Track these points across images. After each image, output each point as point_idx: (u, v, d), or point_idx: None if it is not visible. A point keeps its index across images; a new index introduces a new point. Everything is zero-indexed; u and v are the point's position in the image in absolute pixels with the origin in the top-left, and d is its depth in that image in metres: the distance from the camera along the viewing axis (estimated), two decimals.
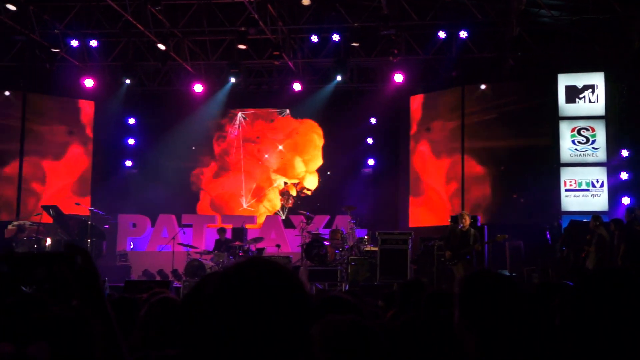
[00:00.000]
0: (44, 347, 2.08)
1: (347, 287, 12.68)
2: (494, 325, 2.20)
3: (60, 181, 16.75)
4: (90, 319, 1.56)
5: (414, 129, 16.57)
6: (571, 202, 14.01)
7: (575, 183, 14.06)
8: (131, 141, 17.87)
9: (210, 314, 1.40)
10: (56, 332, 2.42)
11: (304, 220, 14.80)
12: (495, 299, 2.23)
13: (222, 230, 14.96)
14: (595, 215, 12.03)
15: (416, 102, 16.61)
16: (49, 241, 13.99)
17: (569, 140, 14.24)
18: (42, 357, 1.70)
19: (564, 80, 14.45)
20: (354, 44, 15.15)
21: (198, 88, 16.61)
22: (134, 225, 16.72)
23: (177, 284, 12.97)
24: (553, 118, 14.43)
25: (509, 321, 2.21)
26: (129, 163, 17.86)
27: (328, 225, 16.05)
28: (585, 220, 12.32)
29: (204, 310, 1.42)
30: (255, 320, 1.37)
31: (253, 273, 1.43)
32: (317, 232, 14.52)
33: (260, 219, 17.13)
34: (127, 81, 16.10)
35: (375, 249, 13.43)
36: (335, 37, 15.02)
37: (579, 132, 14.23)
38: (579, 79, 14.46)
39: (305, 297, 1.44)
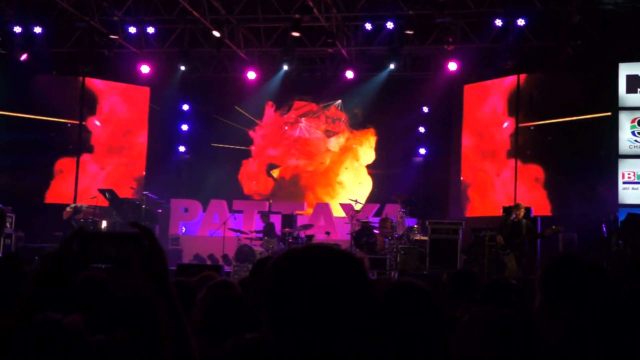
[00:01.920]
0: (78, 318, 2.25)
1: (396, 276, 12.72)
2: (584, 310, 2.13)
3: (116, 165, 17.20)
4: (153, 300, 1.55)
5: (467, 118, 16.44)
6: (629, 194, 13.72)
7: (634, 175, 13.75)
8: (185, 127, 18.20)
9: (285, 295, 1.45)
10: (117, 312, 2.59)
11: (354, 208, 14.90)
12: (584, 282, 2.17)
13: (265, 216, 15.16)
14: None
15: (470, 91, 16.46)
16: (104, 224, 14.45)
17: (629, 131, 13.91)
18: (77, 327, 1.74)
19: (625, 70, 14.10)
20: (408, 32, 15.13)
21: (251, 75, 16.78)
22: (186, 210, 16.96)
23: (227, 268, 13.29)
24: (613, 108, 14.13)
25: (598, 306, 2.16)
26: (182, 149, 18.18)
27: (378, 213, 16.07)
28: None
29: (279, 292, 1.47)
30: (327, 299, 1.42)
31: (325, 255, 1.48)
32: (366, 220, 14.57)
33: (310, 207, 17.25)
34: (182, 68, 16.41)
35: (425, 238, 13.42)
36: (390, 25, 14.98)
37: (639, 124, 13.93)
38: None
39: (368, 279, 1.51)
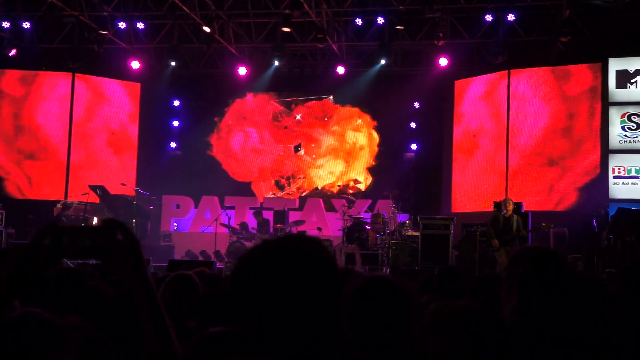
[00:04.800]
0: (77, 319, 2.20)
1: (388, 271, 12.66)
2: (534, 289, 2.34)
3: (107, 161, 17.12)
4: (132, 294, 1.53)
5: (458, 113, 16.44)
6: (619, 189, 13.77)
7: (624, 170, 13.80)
8: (176, 123, 18.11)
9: (254, 286, 1.45)
10: (90, 306, 2.58)
11: (346, 204, 14.90)
12: (538, 265, 2.39)
13: (258, 213, 15.17)
14: None
15: (460, 86, 16.46)
16: (95, 220, 14.38)
17: (619, 126, 13.96)
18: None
19: (615, 65, 14.14)
20: (398, 27, 15.10)
21: (242, 71, 16.70)
22: (178, 206, 16.94)
23: (219, 265, 13.30)
24: (602, 103, 14.16)
25: (548, 288, 2.34)
26: (173, 145, 18.09)
27: (370, 209, 16.04)
28: (634, 208, 12.12)
29: (248, 284, 1.46)
30: (294, 289, 1.42)
31: (289, 245, 1.49)
32: (358, 216, 14.62)
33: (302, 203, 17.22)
34: (173, 63, 16.32)
35: (417, 233, 13.46)
36: (380, 20, 14.91)
37: (629, 118, 13.94)
38: (631, 63, 14.13)
39: (335, 268, 1.51)
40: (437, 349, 2.16)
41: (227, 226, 15.07)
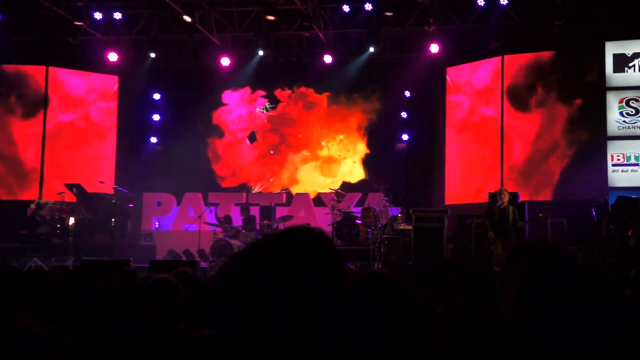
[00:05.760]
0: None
1: (380, 267, 12.64)
2: (533, 287, 2.34)
3: (84, 158, 16.91)
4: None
5: (450, 101, 16.35)
6: (619, 177, 13.71)
7: (624, 157, 13.75)
8: (156, 117, 17.91)
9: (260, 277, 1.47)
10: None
11: (335, 198, 14.86)
12: (538, 259, 2.41)
13: (244, 209, 15.06)
14: None
15: (453, 74, 16.37)
16: (72, 220, 14.18)
17: (617, 112, 13.90)
18: None
19: (612, 48, 14.07)
20: (387, 14, 14.96)
21: (225, 61, 16.58)
22: (159, 203, 16.83)
23: (203, 264, 13.13)
24: (600, 89, 14.08)
25: (548, 285, 2.36)
26: (154, 140, 17.91)
27: (360, 203, 16.01)
28: (634, 196, 12.06)
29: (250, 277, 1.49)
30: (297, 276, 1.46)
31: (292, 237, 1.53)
32: (348, 210, 14.58)
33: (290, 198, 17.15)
34: (152, 55, 16.16)
35: (410, 227, 13.43)
36: (368, 6, 14.83)
37: (627, 104, 13.87)
38: (629, 47, 14.06)
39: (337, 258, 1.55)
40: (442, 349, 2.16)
41: (212, 223, 14.96)
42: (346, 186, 16.92)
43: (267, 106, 17.80)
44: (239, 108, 18.02)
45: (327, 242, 1.56)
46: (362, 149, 17.54)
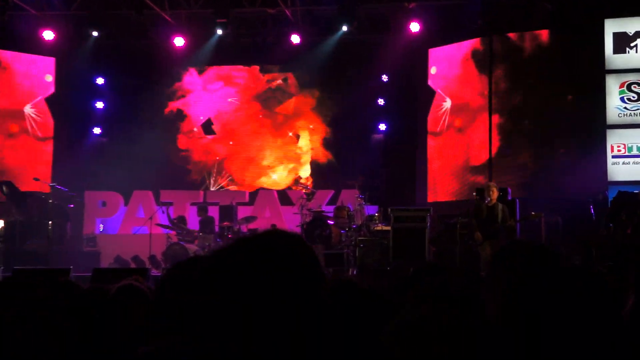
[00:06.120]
0: None
1: (355, 272, 12.79)
2: (523, 288, 2.29)
3: (15, 152, 16.71)
4: None
5: (433, 86, 16.39)
6: (619, 170, 13.80)
7: (625, 148, 13.83)
8: (100, 104, 17.75)
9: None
10: None
11: (304, 196, 14.87)
12: (528, 261, 2.41)
13: (202, 209, 15.10)
14: None
15: (435, 55, 16.41)
16: (1, 223, 14.00)
17: (617, 97, 13.98)
18: None
19: (612, 27, 14.17)
20: None
21: (179, 42, 16.53)
22: (104, 203, 16.79)
23: (155, 272, 12.99)
24: (598, 72, 14.16)
25: (539, 287, 2.30)
26: (97, 130, 17.76)
27: (332, 201, 16.13)
28: (636, 191, 12.13)
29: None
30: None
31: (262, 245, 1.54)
32: (319, 210, 14.63)
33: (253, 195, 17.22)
34: (95, 34, 16.02)
35: (388, 228, 13.45)
36: None
37: (629, 88, 13.96)
38: (630, 25, 14.14)
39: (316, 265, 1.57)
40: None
41: (165, 225, 14.93)
42: (317, 182, 16.95)
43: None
44: (195, 94, 18.02)
45: (307, 248, 1.58)
46: (330, 139, 17.64)
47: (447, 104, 16.17)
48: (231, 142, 17.94)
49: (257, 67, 17.89)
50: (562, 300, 2.31)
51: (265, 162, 17.87)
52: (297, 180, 16.73)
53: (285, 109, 17.94)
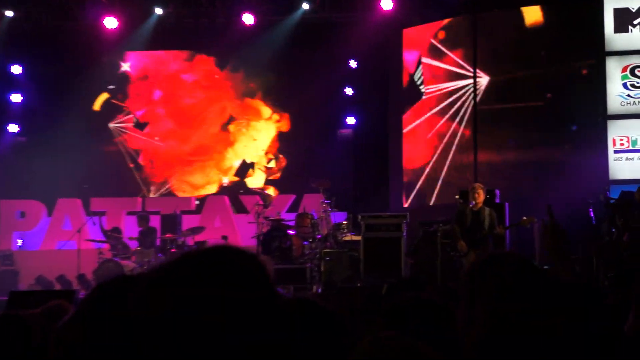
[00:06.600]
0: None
1: (320, 290, 12.73)
2: (502, 308, 2.39)
3: None
4: None
5: (408, 73, 16.45)
6: (622, 167, 14.02)
7: (628, 141, 14.04)
8: (17, 97, 17.66)
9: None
10: None
11: (260, 202, 14.81)
12: (507, 277, 2.45)
13: (142, 218, 15.07)
14: None
15: (411, 37, 16.49)
16: None
17: (619, 83, 14.19)
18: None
19: (613, 2, 14.36)
20: None
21: (111, 23, 16.52)
22: (23, 214, 16.79)
23: (84, 294, 12.81)
24: (597, 54, 14.34)
25: (524, 312, 2.39)
26: (14, 128, 17.70)
27: (293, 207, 16.19)
28: (633, 191, 12.23)
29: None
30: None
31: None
32: (278, 218, 14.59)
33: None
34: (9, 14, 16.00)
35: (358, 238, 13.53)
36: None
37: (632, 73, 14.17)
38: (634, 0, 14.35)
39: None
40: None
41: (97, 240, 14.94)
42: (276, 185, 17.06)
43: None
44: (131, 84, 18.05)
45: (259, 266, 1.59)
46: (290, 135, 17.75)
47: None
48: (172, 140, 18.00)
49: (203, 53, 17.96)
50: (546, 325, 2.37)
51: (214, 162, 17.93)
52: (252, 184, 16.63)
53: (236, 100, 17.99)
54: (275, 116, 17.88)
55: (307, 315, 2.14)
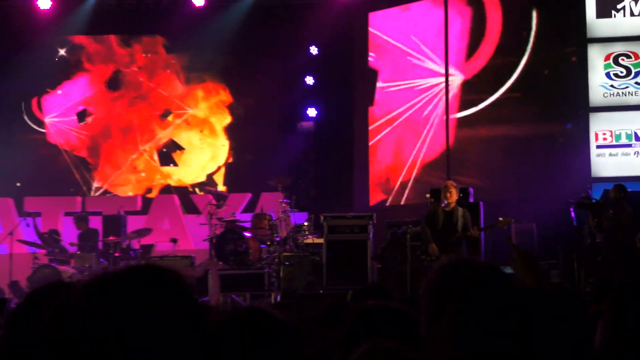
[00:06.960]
0: None
1: (279, 298, 12.84)
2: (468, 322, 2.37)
3: None
4: None
5: (375, 60, 16.54)
6: (605, 163, 14.12)
7: (611, 135, 14.13)
8: None
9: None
10: None
11: (213, 202, 14.86)
12: (480, 293, 2.43)
13: (81, 219, 15.02)
14: (620, 184, 12.20)
15: (378, 21, 16.57)
16: None
17: (602, 72, 14.29)
18: None
19: None
20: None
21: (44, 4, 16.48)
22: None
23: (16, 302, 12.80)
24: (578, 40, 14.49)
25: (498, 326, 2.38)
26: None
27: (249, 207, 16.25)
28: (608, 189, 12.45)
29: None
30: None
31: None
32: (233, 219, 14.60)
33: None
34: None
35: (321, 240, 13.59)
36: None
37: (615, 61, 14.27)
38: None
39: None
40: None
41: (31, 242, 14.86)
42: (230, 183, 17.09)
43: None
44: (68, 73, 17.98)
45: (180, 283, 1.60)
46: (246, 129, 17.78)
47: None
48: (114, 133, 17.98)
49: (148, 38, 17.96)
50: (516, 334, 2.38)
51: (159, 158, 17.95)
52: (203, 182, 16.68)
53: (184, 90, 18.03)
54: (232, 108, 17.92)
55: (255, 326, 2.14)
